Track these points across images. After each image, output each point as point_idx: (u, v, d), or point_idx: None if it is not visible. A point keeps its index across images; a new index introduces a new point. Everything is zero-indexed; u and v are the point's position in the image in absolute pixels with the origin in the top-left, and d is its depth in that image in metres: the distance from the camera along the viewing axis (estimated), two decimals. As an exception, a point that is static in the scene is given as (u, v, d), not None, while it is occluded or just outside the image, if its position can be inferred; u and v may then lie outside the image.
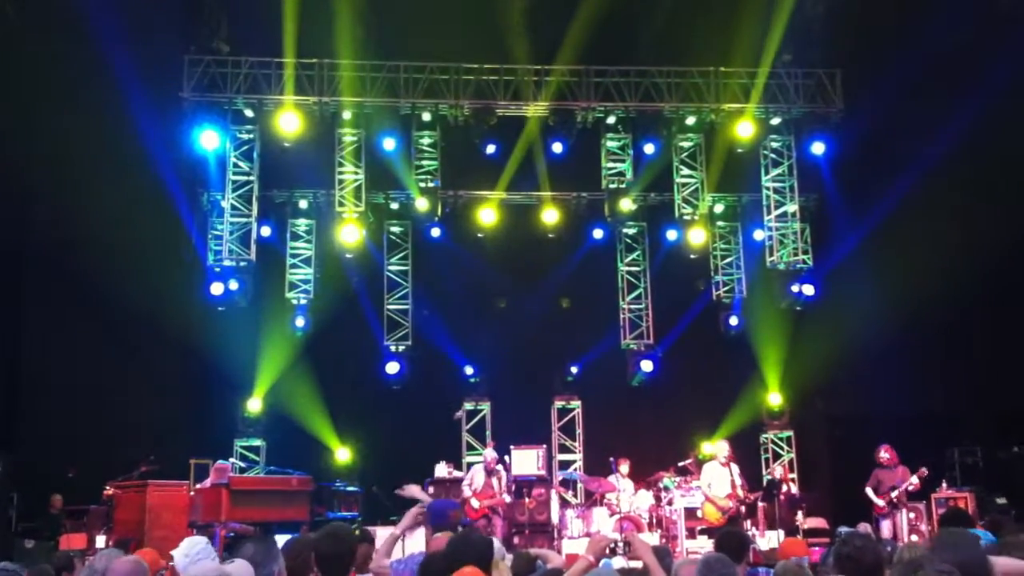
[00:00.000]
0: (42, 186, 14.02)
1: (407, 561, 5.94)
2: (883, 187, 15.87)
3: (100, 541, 12.17)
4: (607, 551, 5.63)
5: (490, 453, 14.39)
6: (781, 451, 18.23)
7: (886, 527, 13.42)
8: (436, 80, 17.34)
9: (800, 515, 14.80)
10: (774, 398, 18.12)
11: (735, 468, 13.32)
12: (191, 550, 5.38)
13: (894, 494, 13.55)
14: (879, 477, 13.76)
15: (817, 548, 10.37)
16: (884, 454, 13.76)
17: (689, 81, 17.71)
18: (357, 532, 12.03)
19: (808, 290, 17.52)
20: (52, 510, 14.45)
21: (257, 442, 17.15)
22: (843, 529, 13.12)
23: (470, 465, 16.60)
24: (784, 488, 14.94)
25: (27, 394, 15.09)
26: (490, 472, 14.06)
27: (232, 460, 14.90)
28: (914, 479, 13.49)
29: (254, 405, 16.96)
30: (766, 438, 18.38)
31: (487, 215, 18.01)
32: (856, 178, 17.14)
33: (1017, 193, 14.38)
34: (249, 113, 17.21)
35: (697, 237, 18.15)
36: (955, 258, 15.06)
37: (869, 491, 13.76)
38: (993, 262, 15.03)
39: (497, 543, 6.11)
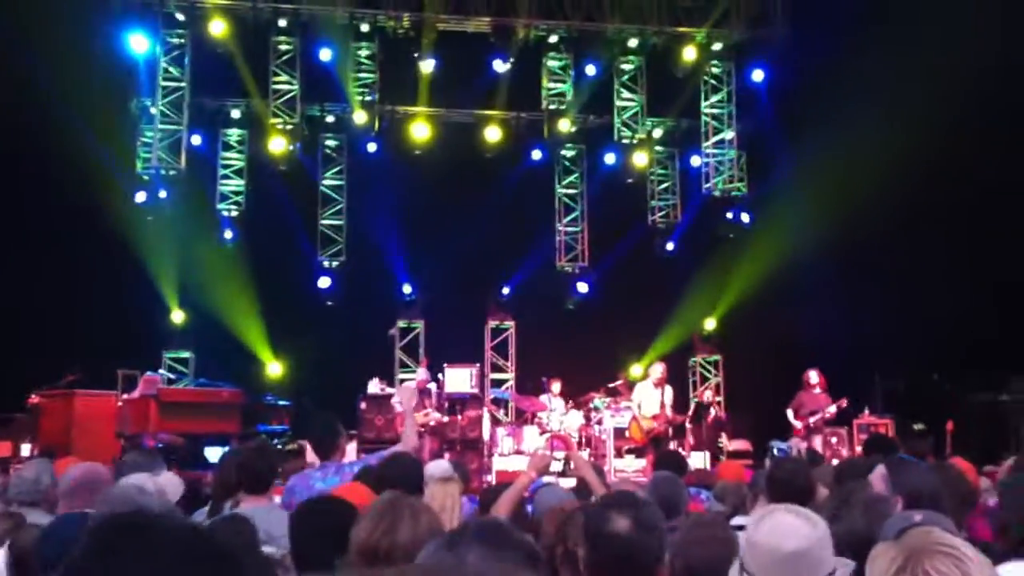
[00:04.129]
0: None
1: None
2: (820, 115, 15.88)
3: (25, 450, 11.98)
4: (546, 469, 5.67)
5: (422, 373, 14.33)
6: (709, 375, 18.56)
7: (802, 450, 13.19)
8: (375, -11, 16.92)
9: (724, 438, 15.12)
10: (707, 324, 18.36)
11: (668, 390, 13.48)
12: None
13: (812, 419, 13.44)
14: (802, 400, 13.59)
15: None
16: (812, 378, 13.55)
17: (631, 0, 17.48)
18: (294, 447, 11.99)
19: (744, 217, 17.68)
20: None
21: (186, 354, 16.86)
22: (775, 443, 13.47)
23: (402, 382, 16.62)
24: (711, 412, 15.22)
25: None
26: (421, 391, 14.07)
27: (161, 372, 14.66)
28: (832, 408, 13.42)
29: (179, 317, 16.62)
30: (694, 361, 18.69)
31: (422, 131, 17.71)
32: (794, 107, 17.16)
33: (941, 118, 14.38)
34: (180, 17, 16.63)
35: (636, 161, 18.15)
36: (887, 186, 15.13)
37: (789, 413, 13.61)
38: (922, 189, 15.12)
39: (448, 465, 6.11)
